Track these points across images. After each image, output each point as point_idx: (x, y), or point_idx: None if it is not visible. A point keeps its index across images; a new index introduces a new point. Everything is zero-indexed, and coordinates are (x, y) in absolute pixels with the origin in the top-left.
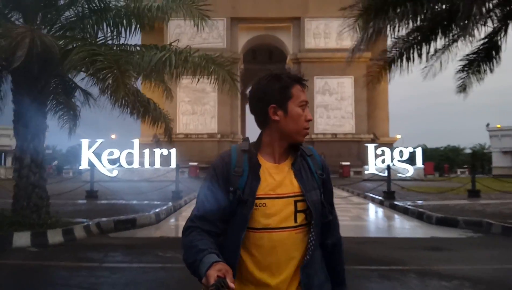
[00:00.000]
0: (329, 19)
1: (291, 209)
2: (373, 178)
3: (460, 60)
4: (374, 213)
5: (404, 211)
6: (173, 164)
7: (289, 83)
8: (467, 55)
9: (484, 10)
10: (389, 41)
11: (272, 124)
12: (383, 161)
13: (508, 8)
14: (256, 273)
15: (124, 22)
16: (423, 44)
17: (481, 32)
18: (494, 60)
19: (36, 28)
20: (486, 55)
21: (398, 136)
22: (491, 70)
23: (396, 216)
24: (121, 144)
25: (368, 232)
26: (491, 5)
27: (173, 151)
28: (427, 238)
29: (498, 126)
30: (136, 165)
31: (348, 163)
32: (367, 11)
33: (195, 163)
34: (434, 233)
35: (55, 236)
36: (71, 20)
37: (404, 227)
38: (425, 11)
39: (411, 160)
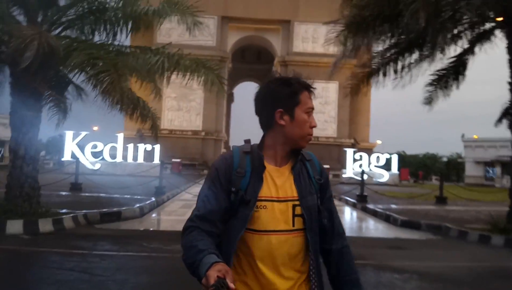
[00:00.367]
0: (318, 24)
1: (289, 213)
2: (350, 181)
3: (431, 74)
4: (347, 214)
5: (373, 214)
6: (157, 160)
7: (298, 89)
8: (438, 70)
9: (455, 31)
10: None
11: (277, 128)
12: (360, 166)
13: (477, 31)
14: (259, 275)
15: (121, 23)
16: (399, 61)
17: (451, 50)
18: (461, 77)
19: (44, 30)
20: (455, 72)
21: (379, 142)
22: (457, 87)
23: (366, 217)
24: (104, 137)
25: None
26: (462, 28)
27: (157, 147)
28: (391, 238)
29: (475, 136)
30: (119, 159)
31: (328, 166)
32: (348, 28)
33: (178, 160)
34: (397, 234)
35: (45, 225)
36: (70, 19)
37: (372, 228)
38: (400, 31)
39: (388, 166)
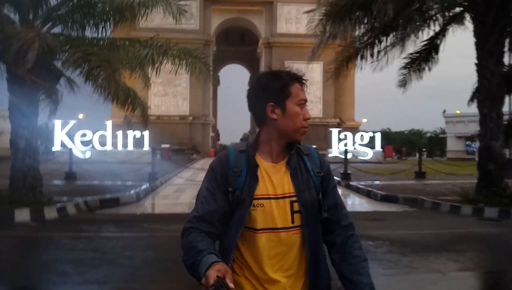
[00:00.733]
0: (301, 4)
1: (288, 210)
2: (336, 160)
3: (404, 58)
4: None
5: (356, 190)
6: (146, 146)
7: (288, 81)
8: (411, 54)
9: (426, 15)
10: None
11: (270, 123)
12: (345, 145)
13: (447, 14)
14: (259, 273)
15: (110, 16)
16: (375, 45)
17: (424, 34)
18: (433, 60)
19: (40, 30)
20: (427, 55)
21: (364, 120)
22: (430, 69)
23: (349, 194)
24: (91, 125)
25: None
26: (433, 12)
27: (146, 133)
28: (370, 211)
29: (458, 111)
30: (109, 147)
31: (315, 146)
32: (326, 16)
33: (167, 145)
34: (376, 208)
35: (51, 212)
36: (60, 14)
37: (354, 203)
38: (373, 19)
39: (372, 143)
